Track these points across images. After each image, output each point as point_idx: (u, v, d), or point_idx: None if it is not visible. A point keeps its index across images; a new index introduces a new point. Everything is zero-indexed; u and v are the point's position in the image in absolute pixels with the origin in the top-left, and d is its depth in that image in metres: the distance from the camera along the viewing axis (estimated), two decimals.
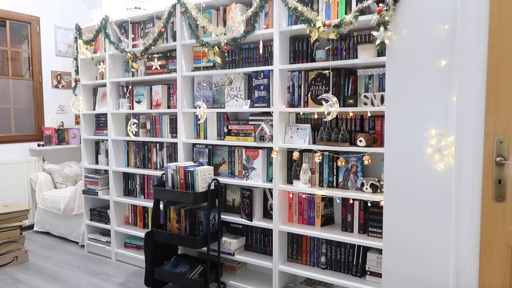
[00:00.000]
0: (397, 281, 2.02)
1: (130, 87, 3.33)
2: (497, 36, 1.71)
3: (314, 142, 2.45)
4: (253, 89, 2.64)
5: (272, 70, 2.49)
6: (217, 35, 2.64)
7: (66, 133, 4.64)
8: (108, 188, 3.50)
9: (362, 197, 2.23)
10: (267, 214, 2.70)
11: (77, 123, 4.88)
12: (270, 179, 2.63)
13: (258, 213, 2.67)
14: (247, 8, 2.66)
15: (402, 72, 1.92)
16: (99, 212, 3.60)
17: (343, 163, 2.31)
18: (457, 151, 1.79)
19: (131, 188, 3.46)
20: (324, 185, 2.45)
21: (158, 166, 3.23)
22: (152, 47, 2.98)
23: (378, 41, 1.95)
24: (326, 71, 2.37)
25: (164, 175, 2.80)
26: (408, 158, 1.93)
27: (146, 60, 3.19)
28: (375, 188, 2.25)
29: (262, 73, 2.58)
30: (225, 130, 2.81)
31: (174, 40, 2.98)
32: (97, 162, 3.70)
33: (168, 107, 3.15)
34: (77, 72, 3.58)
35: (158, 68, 3.02)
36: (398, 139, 1.95)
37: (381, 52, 2.09)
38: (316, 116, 2.44)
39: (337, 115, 2.30)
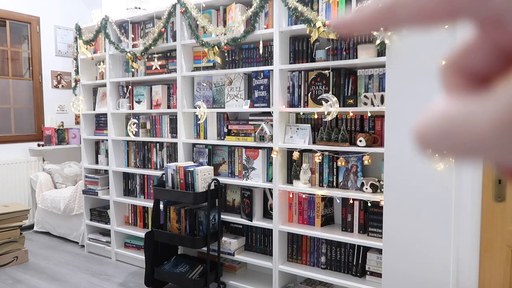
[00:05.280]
0: (397, 281, 2.02)
1: (130, 87, 3.33)
2: None
3: (314, 142, 2.45)
4: (253, 89, 2.64)
5: (272, 70, 2.49)
6: (217, 35, 2.64)
7: (66, 133, 4.64)
8: (108, 188, 3.50)
9: (362, 197, 2.23)
10: (267, 214, 2.70)
11: (77, 123, 4.88)
12: (270, 179, 2.63)
13: (258, 213, 2.67)
14: (247, 8, 2.66)
15: (402, 72, 1.92)
16: (99, 212, 3.60)
17: (343, 163, 2.31)
18: None
19: (131, 188, 3.46)
20: (324, 185, 2.45)
21: (158, 166, 3.22)
22: (152, 47, 2.98)
23: (378, 41, 1.95)
24: (326, 71, 2.37)
25: (164, 175, 2.79)
26: (408, 158, 1.93)
27: (146, 60, 3.19)
28: (375, 188, 2.25)
29: (262, 73, 2.58)
30: (225, 130, 2.81)
31: (174, 40, 2.98)
32: (97, 162, 3.70)
33: (168, 107, 3.15)
34: (77, 72, 3.58)
35: (158, 68, 3.02)
36: (398, 139, 1.96)
37: (381, 52, 2.10)
38: (316, 116, 2.44)
39: (337, 115, 2.30)
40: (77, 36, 3.46)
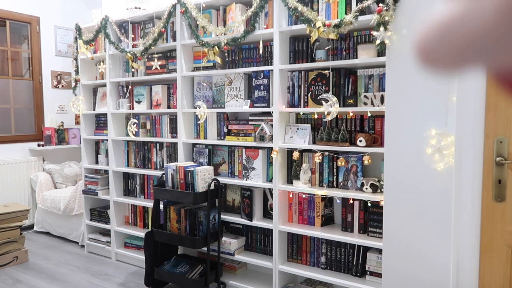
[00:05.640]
0: (397, 281, 2.02)
1: (130, 87, 3.33)
2: None
3: (314, 142, 2.45)
4: (253, 89, 2.64)
5: (272, 70, 2.49)
6: (217, 35, 2.64)
7: (66, 133, 4.64)
8: (108, 188, 3.50)
9: (362, 197, 2.23)
10: (267, 214, 2.70)
11: (77, 123, 4.88)
12: (270, 179, 2.63)
13: (258, 213, 2.67)
14: (247, 8, 2.66)
15: (402, 72, 1.92)
16: (99, 212, 3.60)
17: (343, 163, 2.31)
18: (457, 151, 1.79)
19: (131, 188, 3.46)
20: (324, 185, 2.45)
21: (158, 166, 3.22)
22: (152, 47, 2.98)
23: (378, 41, 1.95)
24: (326, 71, 2.37)
25: (164, 175, 2.79)
26: (408, 158, 1.93)
27: (146, 60, 3.19)
28: (375, 188, 2.25)
29: (262, 73, 2.58)
30: (225, 130, 2.81)
31: (174, 40, 2.98)
32: (97, 162, 3.70)
33: (168, 107, 3.15)
34: (77, 72, 3.58)
35: (158, 68, 3.02)
36: (398, 139, 1.96)
37: (381, 52, 2.10)
38: (316, 116, 2.44)
39: (337, 115, 2.30)
40: (77, 36, 3.46)
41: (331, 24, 2.15)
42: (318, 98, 2.39)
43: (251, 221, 2.64)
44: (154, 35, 2.94)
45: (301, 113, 2.55)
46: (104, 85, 3.52)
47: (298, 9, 2.25)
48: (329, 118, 2.25)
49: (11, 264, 3.32)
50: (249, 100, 2.67)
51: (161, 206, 2.87)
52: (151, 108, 3.25)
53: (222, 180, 2.74)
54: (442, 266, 1.87)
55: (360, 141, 2.21)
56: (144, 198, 3.38)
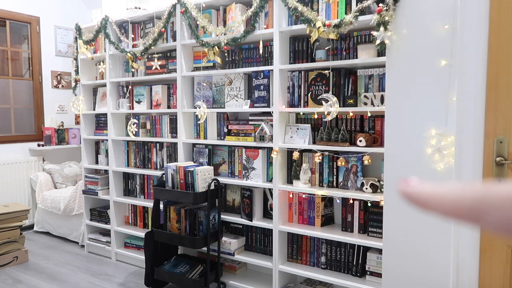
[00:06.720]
0: (397, 281, 2.02)
1: (130, 87, 3.33)
2: (497, 36, 1.71)
3: (314, 142, 2.45)
4: (253, 89, 2.64)
5: (272, 70, 2.49)
6: (217, 35, 2.64)
7: (66, 133, 4.64)
8: (108, 188, 3.50)
9: (362, 197, 2.23)
10: (267, 214, 2.70)
11: (77, 123, 4.88)
12: (270, 179, 2.63)
13: (258, 213, 2.67)
14: (247, 8, 2.66)
15: (402, 72, 1.92)
16: (99, 212, 3.60)
17: (343, 163, 2.31)
18: (457, 151, 1.79)
19: (131, 188, 3.46)
20: (324, 185, 2.45)
21: (158, 166, 3.22)
22: (152, 47, 2.98)
23: (378, 41, 1.95)
24: (326, 71, 2.37)
25: (164, 175, 2.79)
26: (408, 158, 1.93)
27: (146, 60, 3.19)
28: (375, 188, 2.25)
29: (262, 73, 2.58)
30: (225, 130, 2.81)
31: (174, 40, 2.98)
32: (97, 162, 3.70)
33: (168, 107, 3.15)
34: (77, 72, 3.58)
35: (158, 68, 3.02)
36: (398, 139, 1.96)
37: (381, 52, 2.10)
38: (316, 116, 2.44)
39: (337, 115, 2.30)
40: (77, 36, 3.46)
41: (331, 24, 2.15)
42: (318, 98, 2.39)
43: (251, 221, 2.64)
44: (154, 35, 2.94)
45: (301, 113, 2.55)
46: (104, 85, 3.52)
47: (298, 9, 2.25)
48: (329, 118, 2.25)
49: (11, 264, 3.32)
50: (249, 100, 2.67)
51: (161, 206, 2.86)
52: (151, 108, 3.25)
53: (222, 180, 2.74)
54: (442, 266, 1.87)
55: (360, 141, 2.21)
56: (144, 198, 3.38)
